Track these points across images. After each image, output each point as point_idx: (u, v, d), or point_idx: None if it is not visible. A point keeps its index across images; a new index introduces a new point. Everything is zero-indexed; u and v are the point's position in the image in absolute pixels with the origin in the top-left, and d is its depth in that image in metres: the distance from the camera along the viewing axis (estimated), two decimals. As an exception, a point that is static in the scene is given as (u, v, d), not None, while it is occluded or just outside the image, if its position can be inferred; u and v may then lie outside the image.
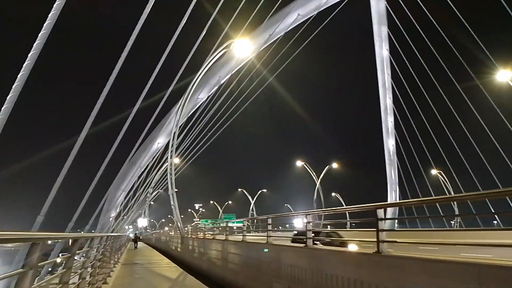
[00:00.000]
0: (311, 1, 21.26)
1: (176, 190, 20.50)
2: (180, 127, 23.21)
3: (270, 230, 8.24)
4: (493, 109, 21.15)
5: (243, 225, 11.08)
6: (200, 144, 27.18)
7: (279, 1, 19.73)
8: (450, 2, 18.97)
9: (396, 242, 4.79)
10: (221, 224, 29.19)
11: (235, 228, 20.36)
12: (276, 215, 8.95)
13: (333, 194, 47.87)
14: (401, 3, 22.36)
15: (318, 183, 36.57)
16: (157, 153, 27.18)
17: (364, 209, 5.78)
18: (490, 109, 21.56)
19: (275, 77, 25.60)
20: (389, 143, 31.49)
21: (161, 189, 35.72)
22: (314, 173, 37.08)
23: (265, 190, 55.92)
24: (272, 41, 22.42)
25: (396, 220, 31.35)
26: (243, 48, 17.29)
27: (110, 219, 28.55)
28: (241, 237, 10.19)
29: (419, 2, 20.82)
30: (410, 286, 4.02)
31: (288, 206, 54.08)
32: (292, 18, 22.08)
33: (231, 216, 48.54)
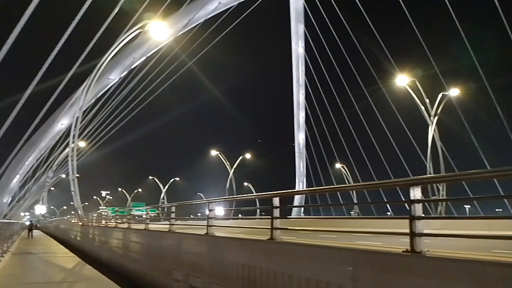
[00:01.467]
0: (232, -9, 21.23)
1: (78, 175, 19.25)
2: (87, 108, 21.76)
3: (173, 218, 8.13)
4: (392, 111, 23.23)
5: (146, 214, 10.78)
6: (109, 128, 25.78)
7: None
8: (362, 10, 20.24)
9: (287, 229, 5.02)
10: (125, 212, 28.17)
11: (144, 216, 19.75)
12: (180, 203, 8.86)
13: (245, 183, 48.86)
14: (318, 4, 23.40)
15: (231, 173, 37.00)
16: (60, 135, 25.19)
17: (264, 197, 5.96)
18: (389, 110, 23.65)
19: (195, 63, 25.17)
20: (300, 136, 32.98)
21: (63, 174, 33.25)
22: (228, 163, 37.43)
23: (178, 179, 55.05)
24: (191, 26, 21.99)
25: (302, 209, 33.03)
26: (159, 30, 16.71)
27: (3, 204, 25.92)
28: (144, 225, 9.94)
29: (335, 6, 21.96)
30: (298, 270, 4.25)
31: (201, 195, 53.93)
32: (213, 5, 21.85)
33: (140, 204, 47.04)
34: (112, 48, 16.70)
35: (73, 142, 18.02)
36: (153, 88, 23.21)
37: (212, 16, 22.14)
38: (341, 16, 22.52)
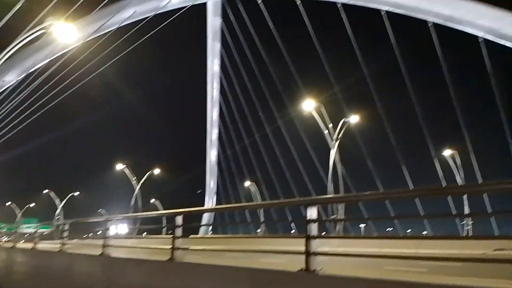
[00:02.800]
0: (149, 1, 20.77)
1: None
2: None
3: (65, 237, 7.46)
4: (299, 133, 24.43)
5: (35, 231, 9.77)
6: (1, 134, 23.21)
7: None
8: (276, 34, 21.14)
9: (187, 249, 4.89)
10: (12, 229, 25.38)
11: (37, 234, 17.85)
12: (74, 220, 8.19)
13: (152, 200, 47.06)
14: (235, 25, 23.94)
15: (137, 189, 35.40)
16: None
17: (167, 215, 5.76)
18: (297, 133, 24.85)
19: (107, 70, 23.87)
20: (212, 153, 32.95)
21: None
22: (135, 177, 35.79)
23: (78, 193, 51.03)
24: (104, 32, 20.96)
25: (210, 227, 32.81)
26: (66, 33, 15.58)
27: None
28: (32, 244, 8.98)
29: (251, 29, 22.66)
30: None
31: (103, 212, 50.64)
32: (128, 13, 21.12)
33: (32, 220, 42.67)
34: (9, 48, 15.15)
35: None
36: (55, 94, 21.51)
37: (128, 24, 21.39)
38: (255, 39, 23.29)
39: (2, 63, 16.33)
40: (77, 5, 18.13)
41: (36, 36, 15.88)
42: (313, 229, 3.40)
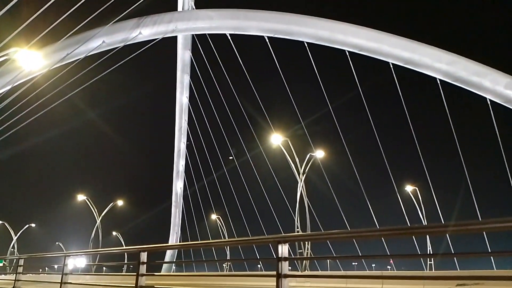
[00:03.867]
0: (118, 32, 20.75)
1: None
2: None
3: (20, 273, 6.99)
4: (267, 167, 24.53)
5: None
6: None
7: (82, 24, 18.53)
8: (245, 70, 21.55)
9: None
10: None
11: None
12: (30, 255, 7.70)
13: (114, 233, 45.30)
14: (204, 59, 24.28)
15: (98, 221, 34.05)
16: None
17: (130, 251, 5.54)
18: (265, 166, 24.95)
19: (75, 98, 23.42)
20: (178, 185, 32.41)
21: None
22: (95, 209, 34.48)
23: (33, 225, 48.46)
24: (71, 60, 20.66)
25: (174, 264, 31.75)
26: (31, 60, 15.26)
27: None
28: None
29: (220, 63, 23.03)
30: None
31: (60, 244, 48.09)
32: (96, 43, 20.98)
33: (-18, 254, 39.79)
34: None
35: None
36: (17, 120, 20.78)
37: (96, 53, 21.22)
38: (224, 73, 23.65)
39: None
40: (43, 33, 17.90)
41: (-1, 62, 15.50)
42: (285, 267, 3.37)
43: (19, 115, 20.87)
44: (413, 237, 19.83)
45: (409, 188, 26.58)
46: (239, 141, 25.80)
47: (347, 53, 18.37)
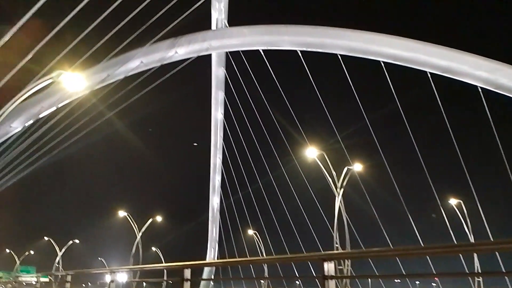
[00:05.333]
0: (156, 53, 21.42)
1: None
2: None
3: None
4: (303, 181, 24.31)
5: (36, 281, 9.45)
6: (5, 180, 23.21)
7: (121, 46, 19.31)
8: (278, 83, 21.62)
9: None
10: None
11: (34, 282, 17.37)
12: (77, 271, 7.94)
13: (153, 248, 46.06)
14: (238, 74, 24.60)
15: (138, 237, 34.75)
16: None
17: (173, 268, 5.59)
18: (301, 180, 24.73)
19: (115, 118, 24.40)
20: (214, 200, 32.68)
21: None
22: (136, 225, 35.23)
23: (77, 241, 50.07)
24: (111, 81, 21.52)
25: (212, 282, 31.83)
26: (74, 81, 15.99)
27: None
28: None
29: (253, 78, 23.26)
30: None
31: (102, 260, 49.42)
32: (135, 64, 21.76)
33: (29, 269, 41.55)
34: (18, 96, 15.51)
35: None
36: (60, 141, 21.76)
37: (135, 74, 21.98)
38: (258, 88, 23.81)
39: (10, 111, 16.64)
40: (85, 56, 18.80)
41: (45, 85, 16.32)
42: (331, 286, 3.29)
43: (64, 135, 21.86)
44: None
45: (453, 201, 25.53)
46: (274, 156, 25.82)
47: (382, 64, 18.04)
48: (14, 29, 14.48)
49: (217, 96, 29.37)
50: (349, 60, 18.61)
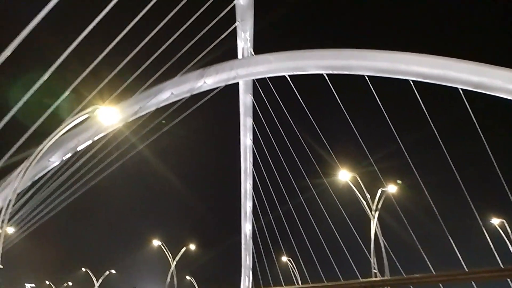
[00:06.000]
0: (185, 84, 22.04)
1: (1, 267, 17.15)
2: (21, 192, 20.29)
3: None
4: (335, 204, 23.87)
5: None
6: (43, 213, 24.02)
7: (153, 78, 20.01)
8: (305, 107, 21.65)
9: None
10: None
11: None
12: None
13: (187, 277, 45.97)
14: (265, 100, 24.85)
15: (173, 265, 34.87)
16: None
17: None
18: (333, 203, 24.30)
19: (146, 149, 25.06)
20: (246, 227, 32.50)
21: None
22: (170, 254, 35.43)
23: (113, 271, 50.73)
24: (143, 113, 22.20)
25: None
26: (109, 116, 16.60)
27: None
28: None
29: (280, 102, 23.42)
30: None
31: (138, 290, 49.72)
32: (166, 95, 22.42)
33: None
34: (56, 131, 16.24)
35: (1, 227, 16.32)
36: (96, 173, 22.45)
37: (169, 104, 22.62)
38: (286, 113, 23.90)
39: (49, 146, 17.38)
40: (119, 90, 19.58)
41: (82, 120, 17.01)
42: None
43: (99, 167, 22.55)
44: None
45: (495, 221, 24.32)
46: (304, 180, 25.58)
47: (411, 83, 17.80)
48: (52, 68, 15.27)
49: (246, 123, 29.68)
50: (378, 80, 18.49)
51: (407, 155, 19.08)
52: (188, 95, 22.86)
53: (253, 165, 30.96)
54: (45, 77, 13.81)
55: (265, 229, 29.29)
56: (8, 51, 10.13)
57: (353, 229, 23.34)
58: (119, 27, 15.86)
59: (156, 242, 35.83)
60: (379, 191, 19.88)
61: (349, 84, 22.45)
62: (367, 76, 18.30)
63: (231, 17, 22.03)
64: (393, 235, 23.73)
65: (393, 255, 21.21)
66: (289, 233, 28.33)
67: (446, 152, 17.45)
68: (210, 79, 22.30)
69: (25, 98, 13.45)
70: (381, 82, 18.61)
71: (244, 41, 23.54)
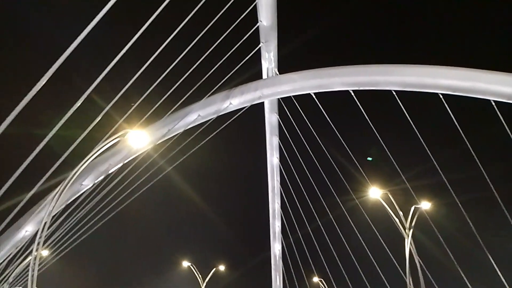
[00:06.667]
0: (211, 105, 22.39)
1: (36, 289, 17.51)
2: (55, 215, 20.86)
3: None
4: (366, 222, 23.33)
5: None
6: (76, 236, 24.55)
7: (181, 101, 20.43)
8: (332, 125, 21.50)
9: None
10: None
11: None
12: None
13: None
14: (291, 119, 24.87)
15: (203, 286, 34.75)
16: (23, 243, 23.64)
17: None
18: (364, 221, 23.76)
19: (174, 171, 25.41)
20: (276, 247, 32.16)
21: (20, 286, 30.45)
22: (199, 275, 35.38)
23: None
24: (171, 135, 22.62)
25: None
26: (139, 139, 16.99)
27: None
28: None
29: (306, 120, 23.37)
30: None
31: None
32: (193, 117, 22.81)
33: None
34: (89, 156, 16.72)
35: (36, 250, 16.77)
36: (129, 195, 22.88)
37: (195, 126, 22.99)
38: (312, 131, 23.81)
39: (82, 170, 17.87)
40: (148, 114, 20.06)
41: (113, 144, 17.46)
42: None
43: (130, 189, 22.96)
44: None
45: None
46: (333, 197, 25.19)
47: (441, 96, 17.44)
48: (85, 95, 15.80)
49: (272, 142, 29.73)
50: (408, 94, 18.21)
51: (439, 170, 18.55)
52: (214, 116, 23.18)
53: (281, 183, 30.81)
54: (79, 102, 14.30)
55: (294, 248, 28.90)
56: (44, 79, 10.57)
57: (386, 247, 22.67)
58: (148, 52, 16.35)
59: (186, 263, 35.92)
60: (412, 208, 19.31)
61: (378, 98, 22.21)
62: (394, 91, 18.08)
63: (255, 38, 22.38)
64: (428, 254, 22.90)
65: (429, 275, 20.40)
66: (320, 252, 27.80)
67: (482, 168, 16.83)
68: (236, 100, 22.57)
69: (60, 123, 13.93)
70: (411, 97, 18.32)
71: (269, 61, 23.77)
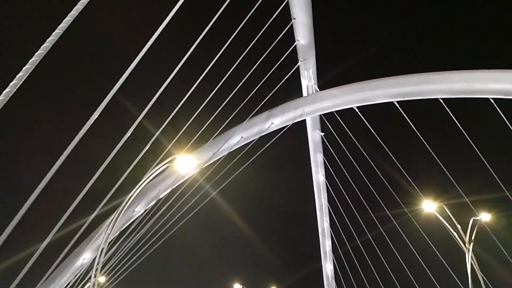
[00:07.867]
0: (254, 127, 22.63)
1: (97, 314, 18.05)
2: (110, 242, 21.60)
3: None
4: (421, 237, 22.29)
5: None
6: (131, 261, 25.22)
7: (224, 124, 20.83)
8: (379, 139, 21.01)
9: None
10: None
11: None
12: None
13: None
14: (334, 134, 24.57)
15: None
16: (81, 270, 24.60)
17: None
18: (419, 237, 22.71)
19: (219, 194, 25.71)
20: (327, 267, 31.37)
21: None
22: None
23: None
24: (216, 159, 23.00)
25: None
26: (186, 164, 17.41)
27: None
28: None
29: (351, 135, 22.97)
30: None
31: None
32: (236, 140, 23.13)
33: None
34: (140, 183, 17.30)
35: (95, 276, 17.38)
36: (178, 219, 23.34)
37: (237, 148, 23.28)
38: (357, 144, 23.32)
39: (134, 196, 18.48)
40: (194, 138, 20.59)
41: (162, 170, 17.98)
42: None
43: (179, 214, 23.41)
44: None
45: None
46: (385, 212, 24.36)
47: (492, 101, 16.62)
48: (134, 125, 16.45)
49: (316, 159, 29.43)
50: (457, 101, 17.53)
51: (497, 179, 17.51)
52: (257, 137, 23.38)
53: (328, 201, 30.28)
54: (130, 131, 14.92)
55: (347, 268, 28.06)
56: (100, 109, 11.13)
57: (445, 263, 21.50)
58: (191, 78, 16.90)
59: (237, 286, 35.82)
60: (471, 221, 18.26)
61: (425, 107, 21.52)
62: (442, 99, 17.46)
63: (293, 57, 22.56)
64: (489, 269, 21.49)
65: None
66: (373, 269, 26.80)
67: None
68: (277, 119, 22.68)
69: (114, 151, 14.56)
70: (460, 104, 17.61)
71: (308, 79, 23.81)
